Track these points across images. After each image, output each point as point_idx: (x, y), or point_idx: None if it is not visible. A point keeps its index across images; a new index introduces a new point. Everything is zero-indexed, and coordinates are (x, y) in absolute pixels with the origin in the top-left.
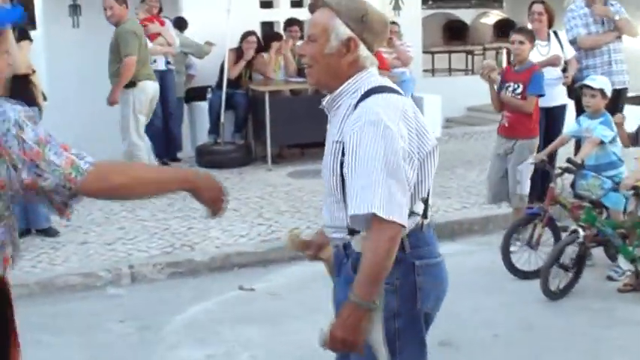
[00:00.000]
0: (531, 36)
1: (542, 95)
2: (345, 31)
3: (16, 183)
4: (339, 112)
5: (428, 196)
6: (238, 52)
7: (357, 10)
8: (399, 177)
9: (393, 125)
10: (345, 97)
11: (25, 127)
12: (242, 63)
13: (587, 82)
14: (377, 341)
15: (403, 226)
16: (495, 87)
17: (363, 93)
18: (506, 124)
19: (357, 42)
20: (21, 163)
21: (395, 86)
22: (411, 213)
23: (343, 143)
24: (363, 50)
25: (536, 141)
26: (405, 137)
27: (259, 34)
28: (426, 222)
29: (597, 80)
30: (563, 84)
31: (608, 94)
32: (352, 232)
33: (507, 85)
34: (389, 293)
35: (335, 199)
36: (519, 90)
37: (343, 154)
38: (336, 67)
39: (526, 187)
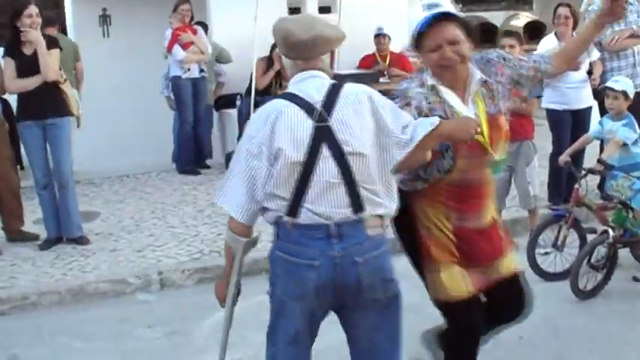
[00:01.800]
0: (521, 39)
1: (540, 97)
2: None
3: None
4: None
5: (296, 199)
6: (268, 61)
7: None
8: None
9: (252, 131)
10: None
11: None
12: (271, 73)
13: (609, 84)
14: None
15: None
16: None
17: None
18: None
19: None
20: None
21: (301, 90)
22: (266, 208)
23: None
24: (284, 60)
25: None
26: (261, 140)
27: None
28: (294, 221)
29: (620, 82)
30: (592, 86)
31: (631, 95)
32: None
33: None
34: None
35: None
36: None
37: None
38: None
39: (537, 187)
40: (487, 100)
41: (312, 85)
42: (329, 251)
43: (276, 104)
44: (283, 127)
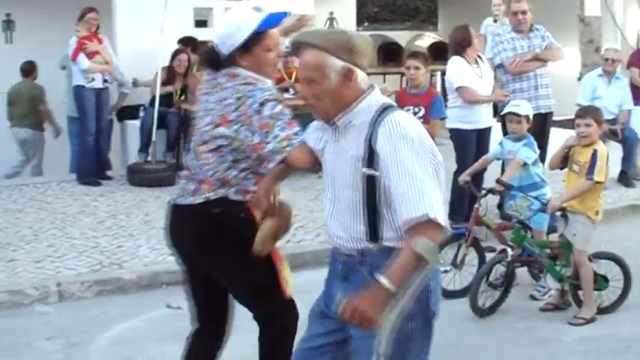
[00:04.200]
0: (426, 61)
1: (444, 118)
2: (339, 64)
3: (249, 144)
4: (352, 130)
5: None
6: (169, 72)
7: (342, 40)
8: (436, 184)
9: (423, 139)
10: (360, 116)
11: (265, 105)
12: (177, 85)
13: (512, 109)
14: (386, 329)
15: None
16: None
17: (378, 110)
18: None
19: (352, 69)
20: (257, 130)
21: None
22: None
23: (367, 158)
24: (359, 74)
25: None
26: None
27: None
28: None
29: (521, 106)
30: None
31: (531, 117)
32: (374, 239)
33: (407, 109)
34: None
35: (353, 212)
36: (421, 114)
37: (368, 167)
38: (341, 97)
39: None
40: None
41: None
42: None
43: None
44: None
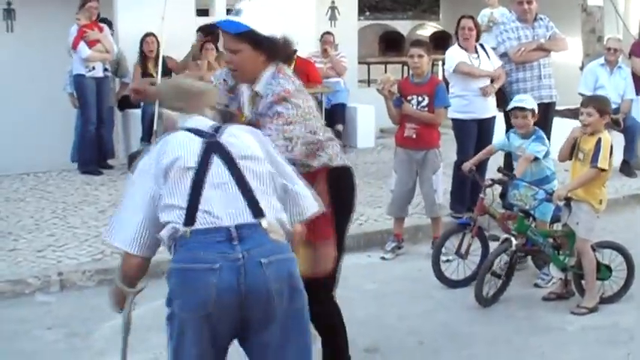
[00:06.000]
0: (429, 49)
1: (448, 106)
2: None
3: None
4: None
5: (192, 204)
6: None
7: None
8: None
9: (141, 165)
10: None
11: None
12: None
13: (517, 103)
14: (125, 317)
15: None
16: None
17: None
18: (414, 136)
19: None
20: None
21: (187, 124)
22: (165, 222)
23: None
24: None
25: (441, 149)
26: (147, 168)
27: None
28: (191, 228)
29: (526, 100)
30: (483, 94)
31: (536, 110)
32: None
33: (410, 98)
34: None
35: None
36: (425, 102)
37: None
38: None
39: (441, 195)
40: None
41: (196, 119)
42: (231, 253)
43: (164, 137)
44: (175, 144)
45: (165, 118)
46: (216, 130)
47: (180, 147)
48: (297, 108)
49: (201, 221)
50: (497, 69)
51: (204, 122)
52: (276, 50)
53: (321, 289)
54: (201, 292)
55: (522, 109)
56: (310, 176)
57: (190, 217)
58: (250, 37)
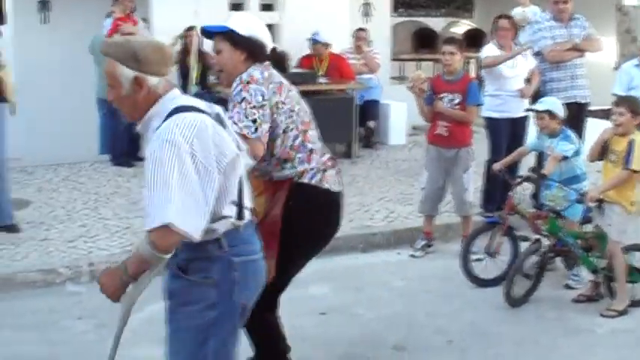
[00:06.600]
0: (461, 47)
1: (481, 104)
2: (129, 73)
3: None
4: (151, 135)
5: (241, 199)
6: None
7: (126, 51)
8: (191, 191)
9: (184, 143)
10: (153, 121)
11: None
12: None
13: (532, 106)
14: (125, 302)
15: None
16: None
17: (166, 115)
18: (445, 134)
19: (140, 78)
20: None
21: (197, 104)
22: (222, 217)
23: None
24: (151, 81)
25: (473, 147)
26: (199, 152)
27: None
28: (242, 223)
29: (542, 103)
30: (521, 96)
31: (558, 113)
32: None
33: (442, 95)
34: (208, 287)
35: None
36: (457, 100)
37: None
38: (136, 104)
39: (472, 194)
40: None
41: (191, 99)
42: (258, 244)
43: (198, 116)
44: (220, 135)
45: (153, 87)
46: (218, 115)
47: (224, 140)
48: (263, 95)
49: (246, 215)
50: (515, 50)
51: (199, 102)
52: (254, 49)
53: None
54: (261, 279)
55: (536, 110)
56: (272, 185)
57: (240, 212)
58: (230, 36)
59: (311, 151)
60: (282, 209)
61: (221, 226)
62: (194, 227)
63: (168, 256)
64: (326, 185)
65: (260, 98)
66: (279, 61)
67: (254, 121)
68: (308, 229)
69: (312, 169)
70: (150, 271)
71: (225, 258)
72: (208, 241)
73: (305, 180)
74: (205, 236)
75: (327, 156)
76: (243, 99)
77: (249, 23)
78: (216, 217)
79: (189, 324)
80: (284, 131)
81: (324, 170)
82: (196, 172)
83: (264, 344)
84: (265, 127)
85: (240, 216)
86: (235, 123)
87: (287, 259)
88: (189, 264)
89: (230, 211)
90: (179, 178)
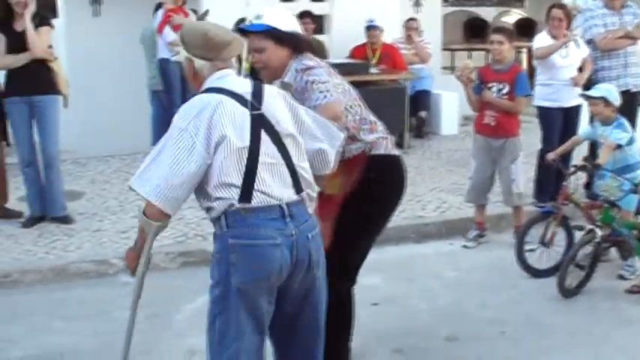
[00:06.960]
0: (511, 35)
1: (529, 95)
2: (184, 54)
3: None
4: None
5: (248, 183)
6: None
7: (179, 34)
8: (170, 162)
9: (182, 123)
10: None
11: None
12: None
13: (586, 92)
14: (138, 273)
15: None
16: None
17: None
18: (493, 124)
19: (190, 59)
20: None
21: (232, 86)
22: (217, 198)
23: None
24: (197, 63)
25: (521, 138)
26: (192, 129)
27: None
28: (247, 206)
29: (597, 89)
30: (574, 85)
31: (613, 100)
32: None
33: (490, 85)
34: (214, 264)
35: None
36: (505, 90)
37: None
38: (191, 83)
39: (522, 185)
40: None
41: (234, 81)
42: (285, 230)
43: (209, 97)
44: (224, 117)
45: (198, 69)
46: (255, 96)
47: (230, 120)
48: (324, 75)
49: (258, 200)
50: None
51: (241, 84)
52: (298, 43)
53: (328, 274)
54: (266, 266)
55: (590, 96)
56: (345, 165)
57: (246, 195)
58: (272, 34)
59: (372, 122)
60: (353, 182)
61: (219, 206)
62: (154, 190)
63: (156, 223)
64: (394, 151)
65: (324, 77)
66: (316, 50)
67: (326, 90)
68: (386, 198)
69: (378, 138)
70: (148, 240)
71: (224, 237)
72: (215, 219)
73: (377, 151)
74: (209, 213)
75: (383, 125)
76: (310, 82)
77: (287, 18)
78: (211, 197)
79: (210, 298)
80: (346, 109)
81: (387, 138)
82: (178, 146)
83: (334, 314)
84: (336, 95)
85: (242, 199)
86: (314, 106)
87: (365, 234)
88: (214, 239)
89: (226, 193)
90: (165, 152)
